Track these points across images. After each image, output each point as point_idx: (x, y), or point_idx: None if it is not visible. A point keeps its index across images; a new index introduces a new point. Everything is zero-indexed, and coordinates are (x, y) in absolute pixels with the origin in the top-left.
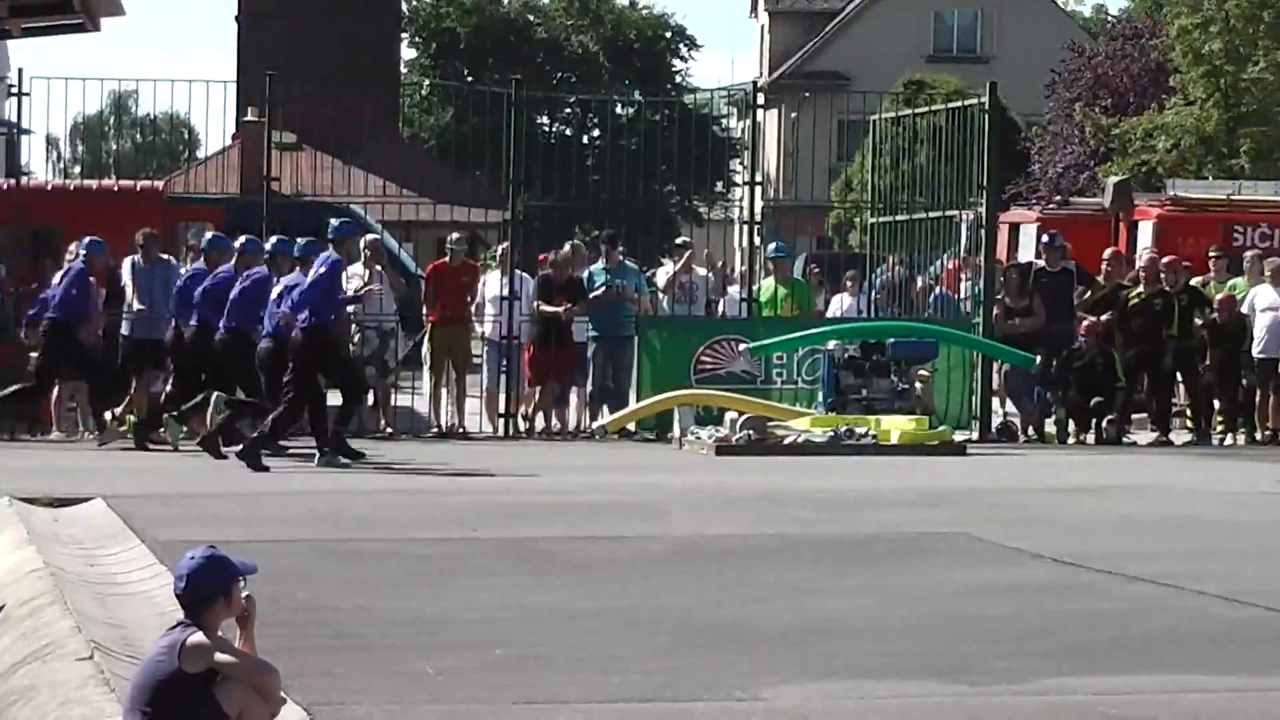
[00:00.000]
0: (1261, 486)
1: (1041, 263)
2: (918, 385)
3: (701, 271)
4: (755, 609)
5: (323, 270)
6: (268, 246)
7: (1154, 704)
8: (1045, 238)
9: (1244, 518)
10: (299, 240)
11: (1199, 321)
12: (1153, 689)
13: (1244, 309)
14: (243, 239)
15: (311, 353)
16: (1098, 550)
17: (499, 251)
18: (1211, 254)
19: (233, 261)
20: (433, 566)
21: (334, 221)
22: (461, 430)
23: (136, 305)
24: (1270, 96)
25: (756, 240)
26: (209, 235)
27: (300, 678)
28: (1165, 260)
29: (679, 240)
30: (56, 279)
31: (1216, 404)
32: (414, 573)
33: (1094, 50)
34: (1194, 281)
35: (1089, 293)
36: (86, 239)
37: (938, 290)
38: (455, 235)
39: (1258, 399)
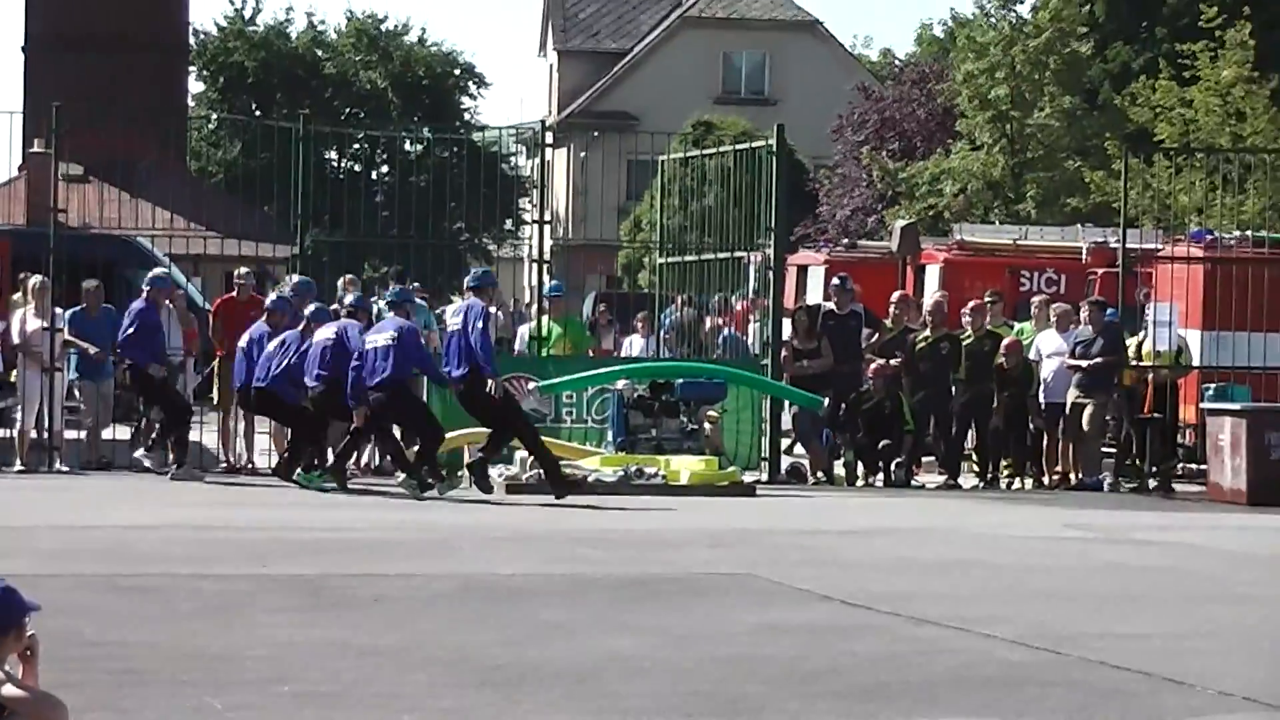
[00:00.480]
0: (1048, 531)
1: (830, 305)
2: (706, 425)
3: (496, 312)
4: (542, 647)
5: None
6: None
7: None
8: (834, 280)
9: (1031, 562)
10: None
11: (1001, 362)
12: None
13: (1030, 354)
14: (274, 298)
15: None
16: (885, 592)
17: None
18: (987, 298)
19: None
20: (222, 602)
21: (475, 270)
22: (250, 466)
23: None
24: (1055, 142)
25: (546, 278)
26: (273, 296)
27: (89, 712)
28: (971, 305)
29: (479, 272)
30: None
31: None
32: (203, 608)
33: (881, 94)
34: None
35: (877, 335)
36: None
37: (726, 331)
38: (243, 270)
39: (1045, 443)
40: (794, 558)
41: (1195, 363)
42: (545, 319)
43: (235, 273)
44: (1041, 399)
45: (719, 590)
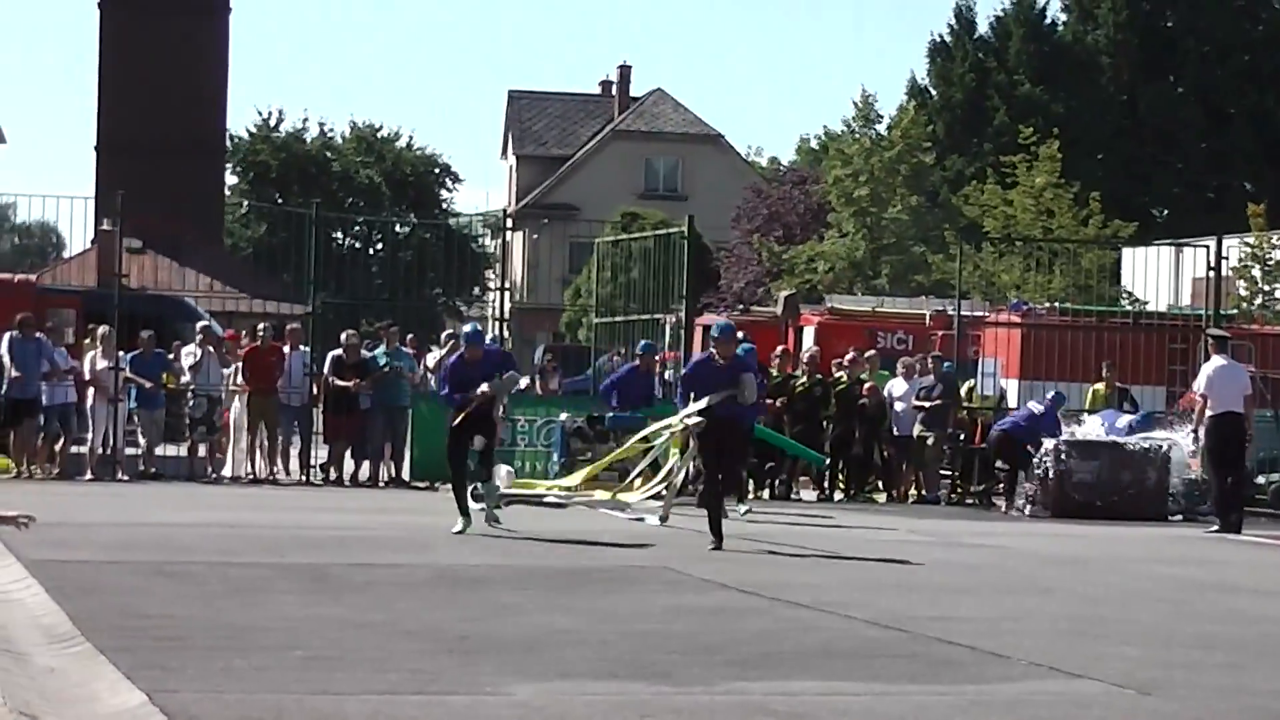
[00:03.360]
0: (896, 536)
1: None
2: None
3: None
4: (500, 623)
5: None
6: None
7: (813, 703)
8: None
9: (883, 559)
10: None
11: (863, 403)
12: (812, 691)
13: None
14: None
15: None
16: (770, 581)
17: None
18: (866, 355)
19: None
20: (245, 584)
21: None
22: (272, 477)
23: (13, 373)
24: (905, 232)
25: (505, 333)
26: (467, 329)
27: (141, 670)
28: (849, 358)
29: (445, 332)
30: None
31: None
32: (230, 589)
33: (769, 192)
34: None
35: (764, 382)
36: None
37: (655, 375)
38: (264, 325)
39: (895, 466)
40: (698, 555)
41: (1012, 405)
42: None
43: (258, 327)
44: (894, 431)
45: (639, 580)
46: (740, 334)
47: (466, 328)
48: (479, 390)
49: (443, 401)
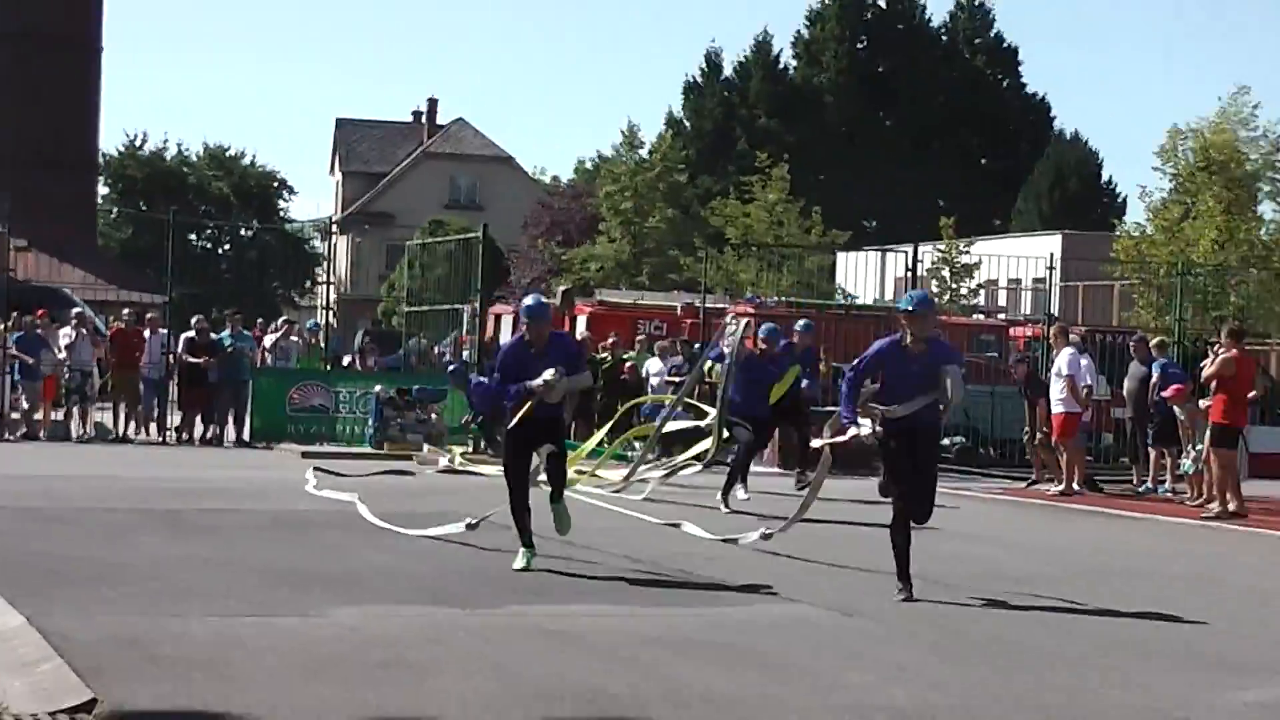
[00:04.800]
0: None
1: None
2: (433, 416)
3: (295, 339)
4: (326, 560)
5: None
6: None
7: (582, 623)
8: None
9: (644, 508)
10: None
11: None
12: (581, 614)
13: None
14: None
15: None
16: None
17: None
18: (610, 339)
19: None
20: (115, 528)
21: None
22: (129, 438)
23: None
24: (663, 238)
25: (332, 319)
26: (529, 301)
27: (23, 597)
28: (610, 341)
29: (282, 319)
30: None
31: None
32: (104, 531)
33: (551, 204)
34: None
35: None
36: None
37: (451, 355)
38: (128, 311)
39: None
40: (493, 504)
41: None
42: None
43: (123, 313)
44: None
45: (441, 523)
46: (921, 303)
47: (528, 300)
48: (539, 380)
49: (489, 398)
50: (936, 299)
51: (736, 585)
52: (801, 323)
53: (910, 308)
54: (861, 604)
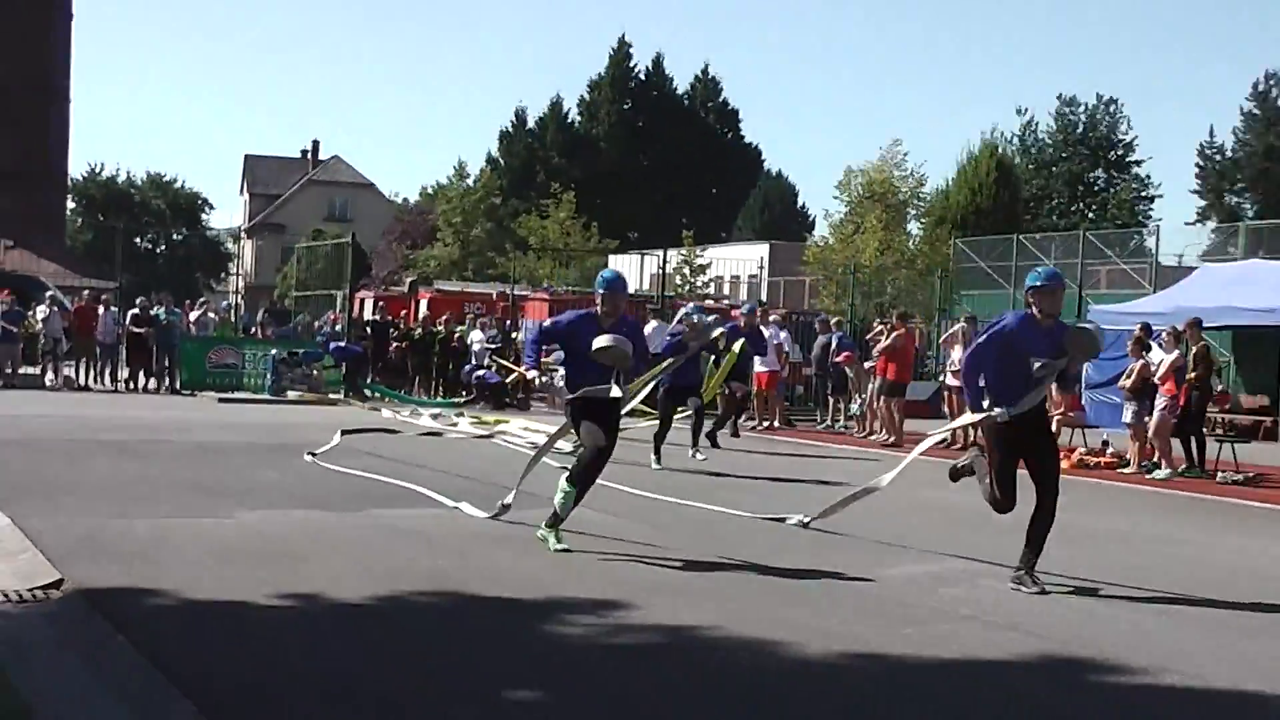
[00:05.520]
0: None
1: (375, 317)
2: (315, 372)
3: (212, 315)
4: (233, 476)
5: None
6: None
7: (425, 523)
8: (381, 304)
9: (473, 450)
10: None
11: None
12: (425, 516)
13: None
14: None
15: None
16: (403, 454)
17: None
18: (445, 317)
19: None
20: (75, 453)
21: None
22: (89, 387)
23: None
24: (483, 244)
25: (240, 302)
26: (606, 273)
27: (5, 504)
28: (444, 319)
29: (201, 300)
30: None
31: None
32: (66, 457)
33: (402, 218)
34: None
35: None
36: None
37: (328, 329)
38: (87, 291)
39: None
40: (358, 436)
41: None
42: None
43: (84, 295)
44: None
45: (329, 452)
46: (1052, 279)
47: (609, 272)
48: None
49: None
50: (679, 290)
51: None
52: (746, 305)
53: (1040, 283)
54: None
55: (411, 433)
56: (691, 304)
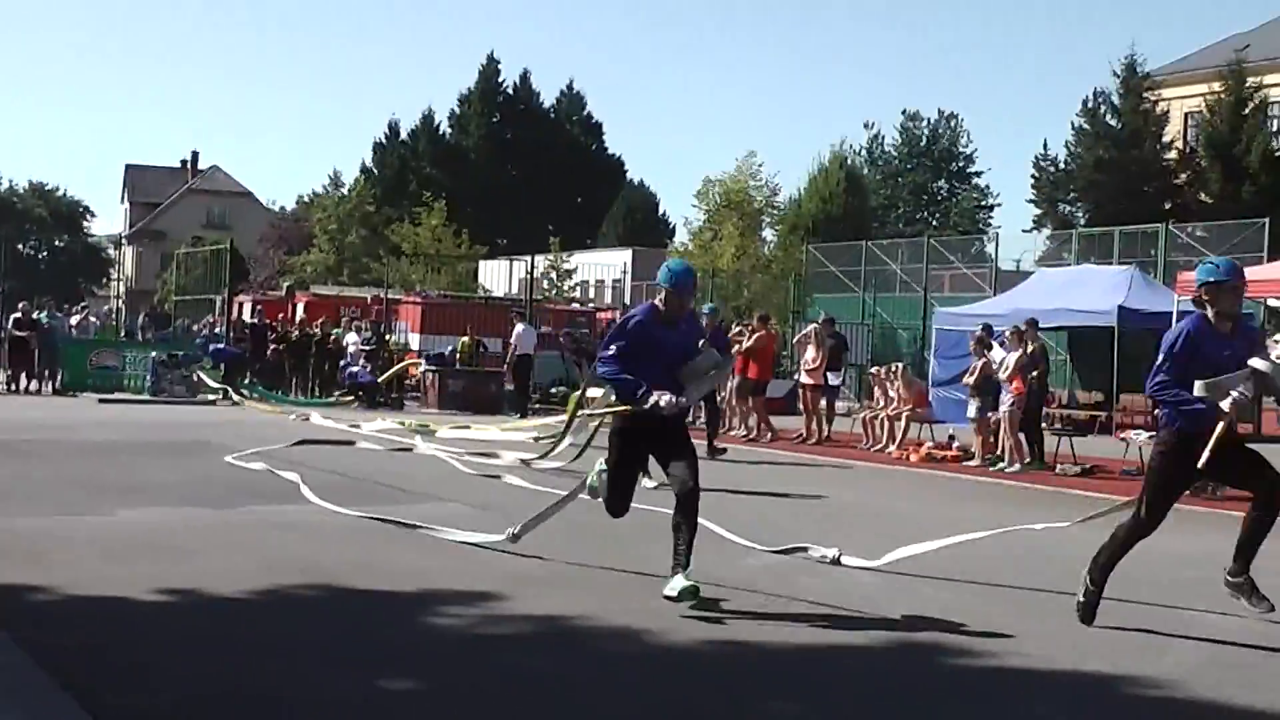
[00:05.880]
0: (354, 419)
1: (253, 320)
2: (197, 376)
3: (92, 319)
4: (118, 474)
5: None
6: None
7: (302, 518)
8: (259, 307)
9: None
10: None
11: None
12: (302, 512)
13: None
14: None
15: None
16: (292, 457)
17: None
18: (321, 319)
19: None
20: None
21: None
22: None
23: None
24: (358, 251)
25: (121, 305)
26: (676, 266)
27: None
28: (320, 321)
29: (81, 304)
30: None
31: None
32: None
33: (279, 225)
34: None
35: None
36: None
37: (207, 332)
38: None
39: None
40: (248, 436)
41: (414, 349)
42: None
43: None
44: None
45: (205, 453)
46: (1232, 273)
47: (676, 263)
48: (665, 401)
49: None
50: (547, 293)
51: (419, 490)
52: (707, 306)
53: (1216, 278)
54: (492, 503)
55: (372, 445)
56: (708, 305)
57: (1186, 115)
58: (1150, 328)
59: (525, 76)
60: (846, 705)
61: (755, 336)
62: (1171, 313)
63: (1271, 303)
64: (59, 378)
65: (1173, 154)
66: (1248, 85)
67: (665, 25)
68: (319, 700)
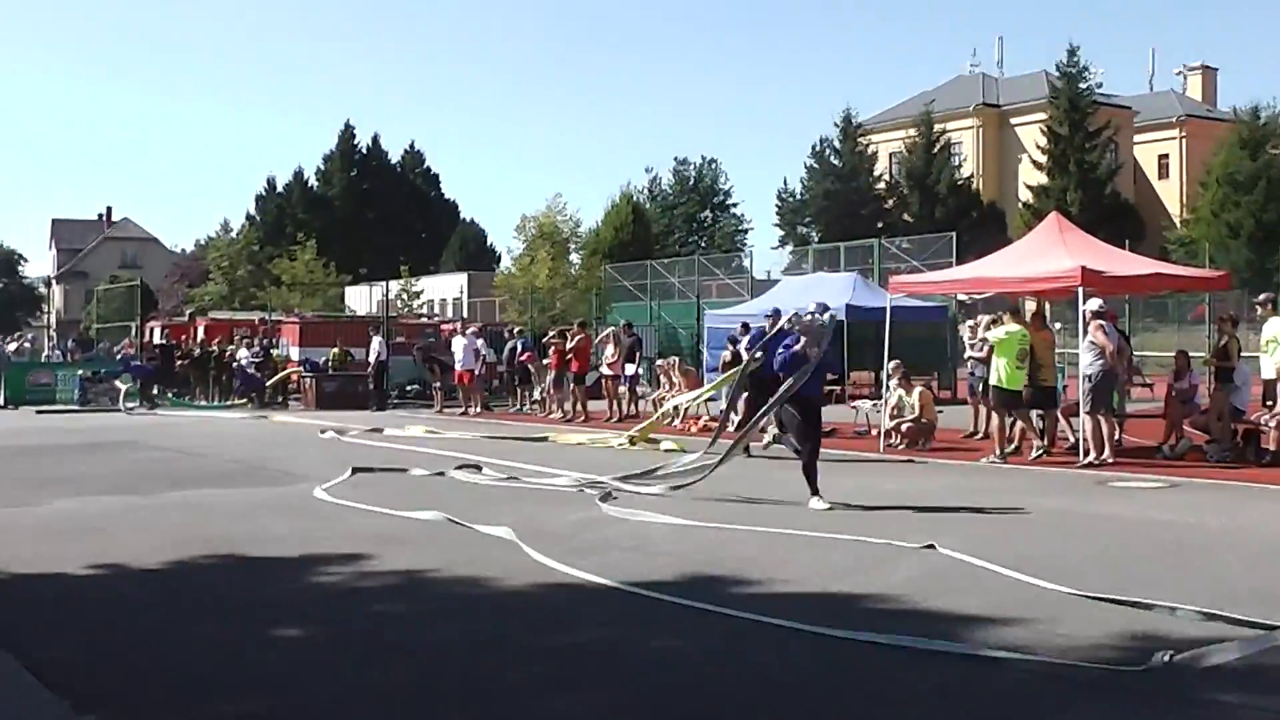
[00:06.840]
0: (264, 416)
1: (162, 341)
2: (117, 387)
3: (28, 345)
4: (52, 470)
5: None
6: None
7: (213, 499)
8: (167, 331)
9: (251, 428)
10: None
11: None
12: (213, 494)
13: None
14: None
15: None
16: (198, 444)
17: None
18: (218, 339)
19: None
20: None
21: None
22: None
23: None
24: (246, 282)
25: (54, 334)
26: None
27: None
28: (217, 340)
29: (16, 333)
30: None
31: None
32: None
33: (183, 266)
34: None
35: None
36: None
37: (124, 353)
38: None
39: (248, 392)
40: (167, 432)
41: (296, 359)
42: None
43: None
44: (244, 372)
45: (133, 447)
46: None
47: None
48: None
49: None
50: (400, 310)
51: (300, 473)
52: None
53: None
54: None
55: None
56: (814, 306)
57: (891, 155)
58: (870, 320)
59: (376, 139)
60: (634, 630)
61: (576, 338)
62: (885, 308)
63: (960, 297)
64: (2, 394)
65: (882, 185)
66: (935, 130)
67: (489, 94)
68: (223, 645)
